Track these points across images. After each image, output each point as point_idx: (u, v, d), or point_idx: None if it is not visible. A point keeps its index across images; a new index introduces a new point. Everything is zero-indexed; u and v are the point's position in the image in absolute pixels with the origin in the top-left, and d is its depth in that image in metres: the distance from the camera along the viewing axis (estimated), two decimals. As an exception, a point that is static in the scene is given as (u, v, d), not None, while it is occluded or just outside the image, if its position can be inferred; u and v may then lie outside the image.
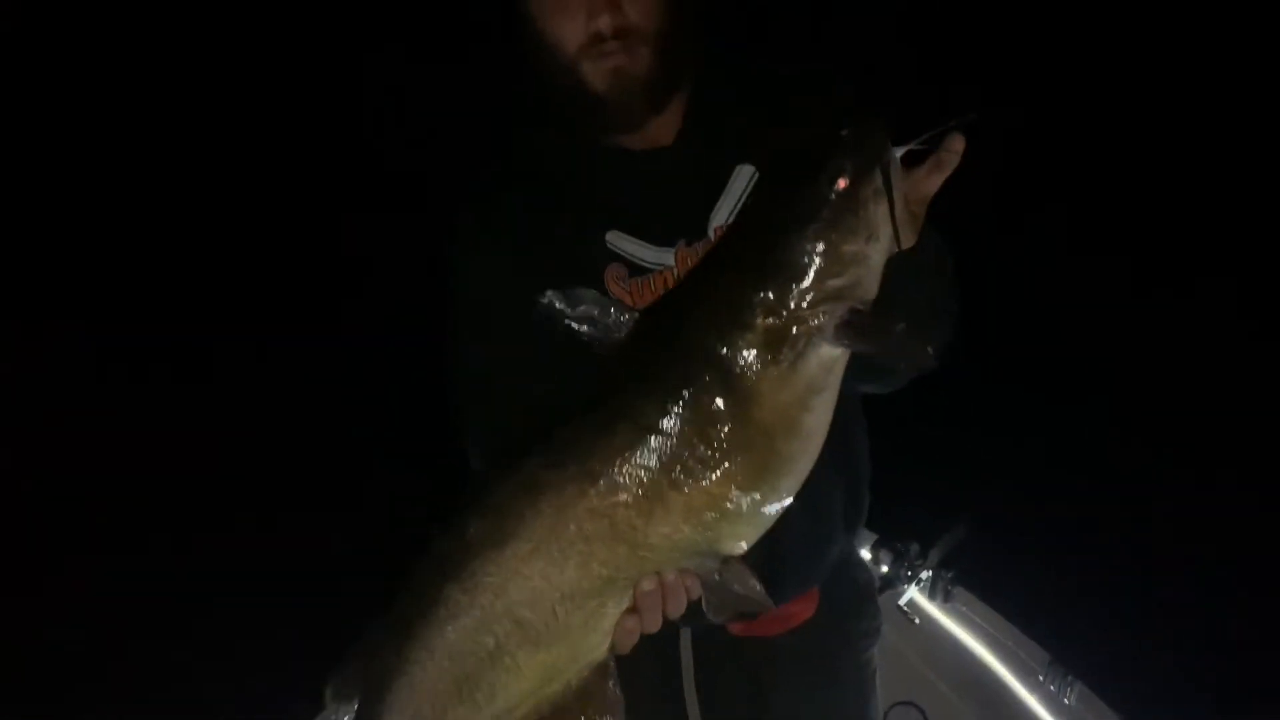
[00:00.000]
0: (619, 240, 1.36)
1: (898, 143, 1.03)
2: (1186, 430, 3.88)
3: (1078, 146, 5.24)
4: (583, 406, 1.08)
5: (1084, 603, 2.99)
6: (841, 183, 1.00)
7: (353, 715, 1.11)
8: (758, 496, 1.05)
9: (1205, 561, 3.38)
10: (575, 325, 1.10)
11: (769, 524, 1.10)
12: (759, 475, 1.04)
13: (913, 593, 2.45)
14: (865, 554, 2.50)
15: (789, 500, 1.09)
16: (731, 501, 1.04)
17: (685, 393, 1.03)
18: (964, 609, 2.42)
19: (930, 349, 1.04)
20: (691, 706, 1.56)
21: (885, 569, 2.49)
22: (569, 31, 1.27)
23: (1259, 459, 3.61)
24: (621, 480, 1.03)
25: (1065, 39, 5.70)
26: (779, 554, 1.46)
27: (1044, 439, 3.87)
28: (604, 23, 1.24)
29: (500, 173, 1.47)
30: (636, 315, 1.11)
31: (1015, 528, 3.04)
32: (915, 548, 2.47)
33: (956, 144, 1.05)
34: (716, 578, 1.08)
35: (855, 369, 1.37)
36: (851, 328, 1.02)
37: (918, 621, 2.44)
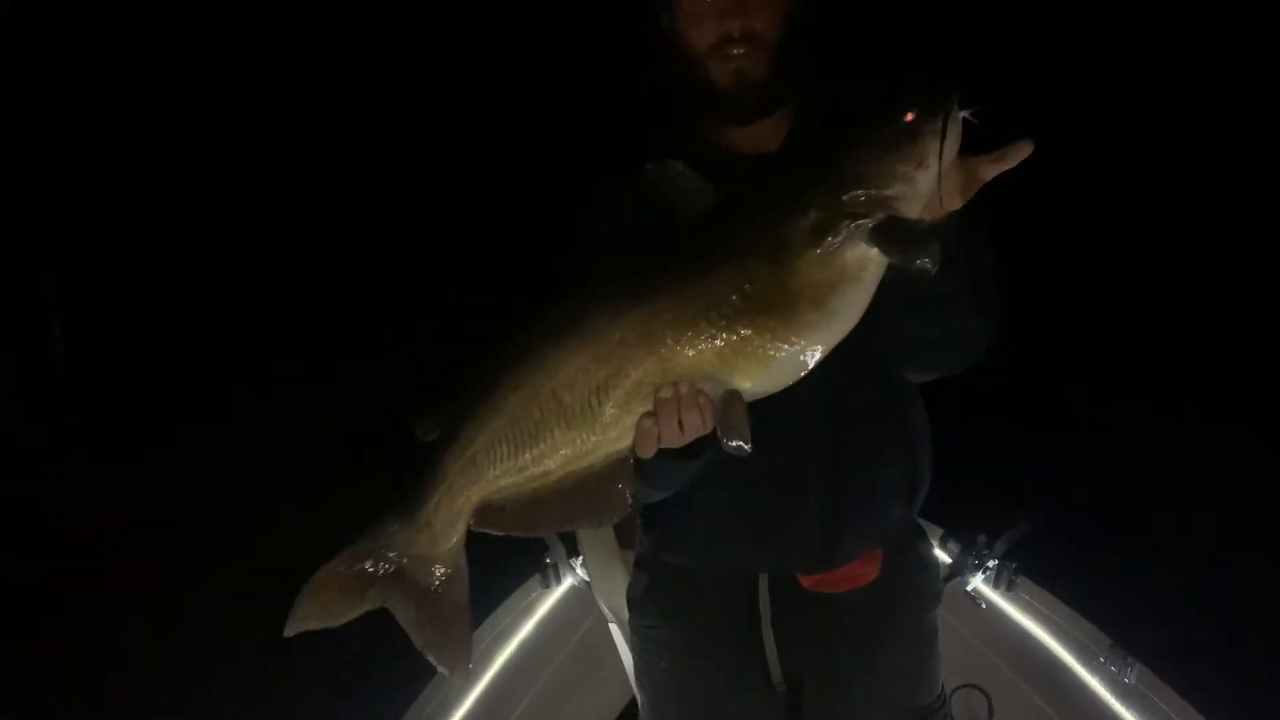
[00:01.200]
0: None
1: (965, 106, 1.21)
2: (1247, 422, 3.93)
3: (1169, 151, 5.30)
4: (657, 248, 1.32)
5: (1143, 591, 3.06)
6: (909, 116, 1.21)
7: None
8: (772, 347, 1.25)
9: (1262, 548, 3.42)
10: (671, 191, 1.35)
11: (776, 378, 1.29)
12: (779, 330, 1.24)
13: (978, 581, 2.59)
14: (935, 545, 2.65)
15: (798, 361, 1.27)
16: (751, 344, 1.25)
17: (739, 250, 1.25)
18: (1027, 597, 2.55)
19: (932, 261, 1.16)
20: (770, 649, 1.74)
21: (953, 559, 2.64)
22: (701, 35, 1.50)
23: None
24: (666, 305, 1.25)
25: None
26: (842, 515, 1.66)
27: (1105, 436, 3.95)
28: (733, 26, 1.48)
29: (625, 158, 1.65)
30: (715, 193, 1.34)
31: (1077, 521, 3.14)
32: (982, 539, 2.61)
33: (1024, 149, 1.22)
34: (721, 405, 1.27)
35: (904, 346, 1.56)
36: (885, 231, 1.20)
37: (984, 607, 2.58)
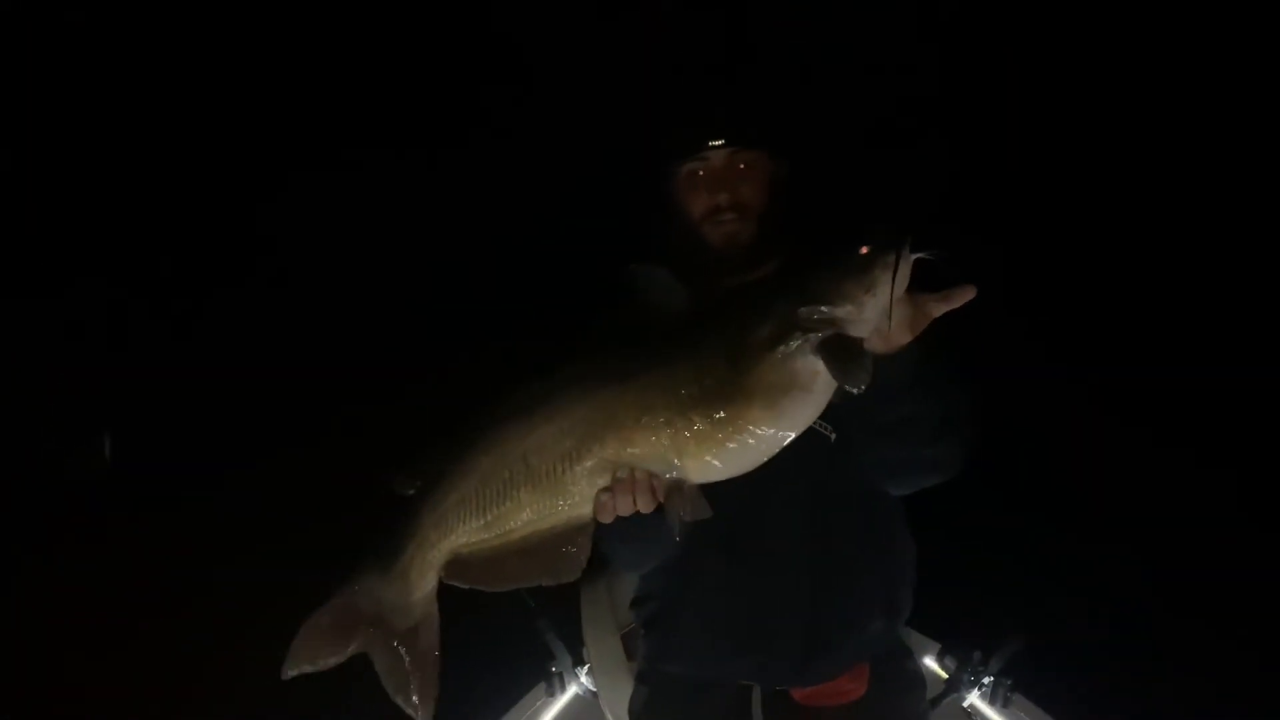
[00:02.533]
0: None
1: (917, 249, 1.37)
2: (1249, 535, 4.00)
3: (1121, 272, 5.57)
4: (631, 339, 1.47)
5: (1139, 710, 3.08)
6: (863, 249, 1.37)
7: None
8: (723, 436, 1.37)
9: (1263, 670, 3.45)
10: (653, 291, 1.51)
11: (725, 467, 1.40)
12: (731, 422, 1.36)
13: (974, 698, 2.63)
14: (930, 660, 2.70)
15: (746, 454, 1.38)
16: (703, 432, 1.37)
17: (701, 347, 1.39)
18: (1022, 714, 2.58)
19: (860, 381, 1.30)
20: None
21: (949, 674, 2.69)
22: (695, 204, 1.72)
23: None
24: (631, 388, 1.39)
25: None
26: (822, 629, 1.75)
27: (1104, 552, 4.00)
28: (722, 199, 1.69)
29: (628, 294, 1.83)
30: (691, 299, 1.50)
31: (1074, 639, 3.17)
32: (978, 655, 2.66)
33: (967, 293, 1.39)
34: (668, 490, 1.39)
35: (876, 465, 1.68)
36: (829, 345, 1.34)
37: (979, 725, 2.61)
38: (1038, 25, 6.48)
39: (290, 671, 1.44)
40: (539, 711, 2.71)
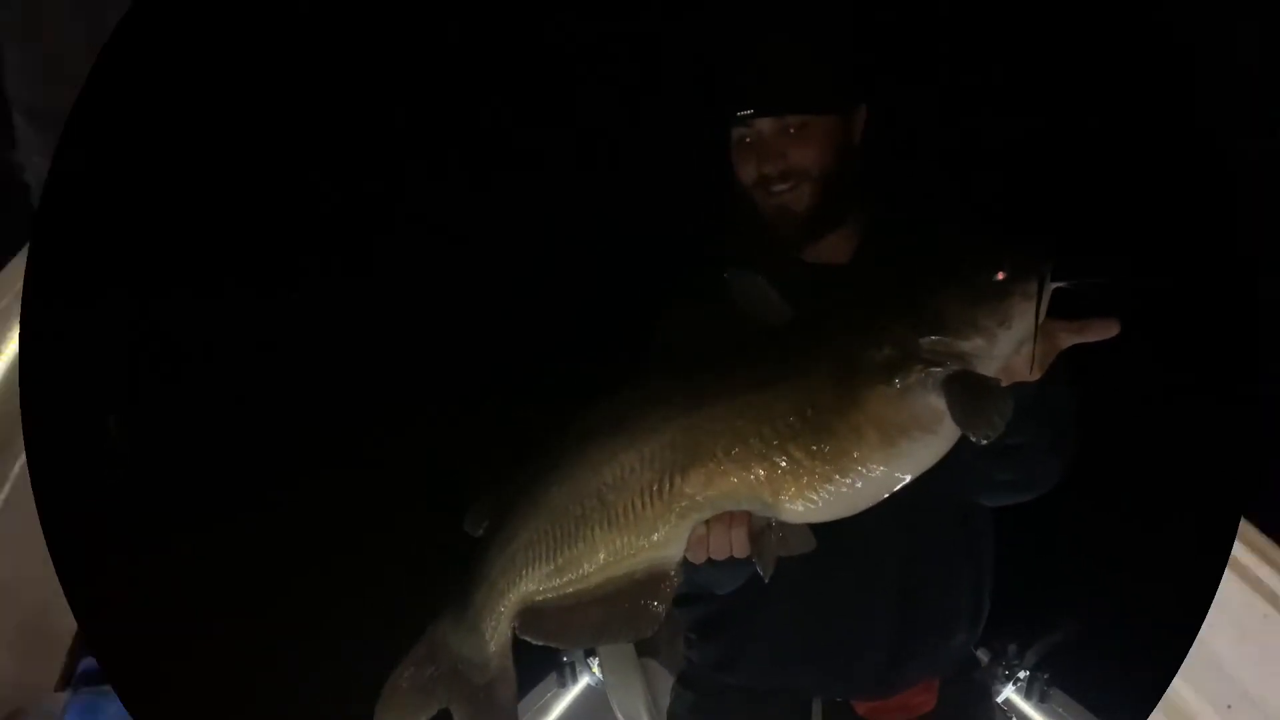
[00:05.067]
0: None
1: (1059, 276, 1.15)
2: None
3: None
4: (723, 357, 1.27)
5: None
6: (1000, 274, 1.16)
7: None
8: (824, 476, 1.17)
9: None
10: (748, 303, 1.29)
11: (825, 510, 1.21)
12: (834, 459, 1.17)
13: (1009, 692, 2.52)
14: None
15: (852, 496, 1.20)
16: (803, 470, 1.17)
17: (805, 369, 1.19)
18: (1060, 710, 2.47)
19: (992, 433, 1.10)
20: None
21: (983, 668, 2.56)
22: (746, 171, 1.55)
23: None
24: (719, 415, 1.20)
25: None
26: (909, 640, 1.62)
27: (1141, 546, 3.83)
28: (769, 168, 1.51)
29: (704, 267, 1.61)
30: (796, 310, 1.29)
31: (1111, 632, 3.03)
32: (1013, 648, 2.55)
33: (1108, 328, 1.18)
34: (763, 533, 1.22)
35: (973, 483, 1.51)
36: (955, 383, 1.14)
37: (1014, 720, 2.49)
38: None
39: None
40: (550, 702, 2.64)
